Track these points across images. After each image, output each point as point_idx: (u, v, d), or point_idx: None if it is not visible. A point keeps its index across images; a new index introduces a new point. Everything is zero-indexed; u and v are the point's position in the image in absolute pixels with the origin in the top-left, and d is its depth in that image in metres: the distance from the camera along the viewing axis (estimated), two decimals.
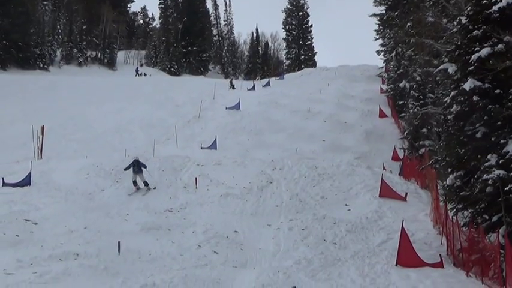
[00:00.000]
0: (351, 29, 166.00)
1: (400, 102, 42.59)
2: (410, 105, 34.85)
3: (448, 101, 14.61)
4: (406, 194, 21.29)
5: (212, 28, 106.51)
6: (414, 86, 35.18)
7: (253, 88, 56.56)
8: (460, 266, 13.72)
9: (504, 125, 13.11)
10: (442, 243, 15.70)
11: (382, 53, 59.27)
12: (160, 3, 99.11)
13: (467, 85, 13.45)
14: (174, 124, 38.79)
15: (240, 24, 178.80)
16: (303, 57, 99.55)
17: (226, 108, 44.27)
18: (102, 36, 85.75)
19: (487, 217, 13.35)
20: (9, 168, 24.09)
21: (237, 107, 44.03)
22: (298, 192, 21.85)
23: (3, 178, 21.64)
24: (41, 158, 27.76)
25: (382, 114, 43.56)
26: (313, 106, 44.27)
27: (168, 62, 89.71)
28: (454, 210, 14.40)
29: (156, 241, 16.11)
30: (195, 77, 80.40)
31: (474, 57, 13.47)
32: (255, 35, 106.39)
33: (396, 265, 13.74)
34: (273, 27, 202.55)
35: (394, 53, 47.54)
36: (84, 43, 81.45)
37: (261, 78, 76.47)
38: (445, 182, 15.24)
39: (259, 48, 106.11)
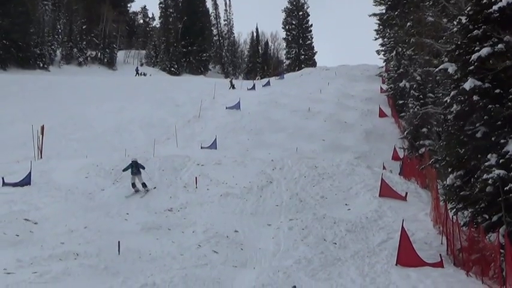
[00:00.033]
0: (351, 28, 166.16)
1: (400, 102, 42.62)
2: (410, 105, 34.87)
3: (448, 101, 14.61)
4: (406, 193, 21.29)
5: (212, 28, 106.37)
6: (414, 86, 35.21)
7: (253, 88, 56.58)
8: (460, 265, 13.72)
9: (504, 124, 13.12)
10: (442, 243, 15.71)
11: (382, 52, 59.35)
12: (160, 3, 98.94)
13: (467, 85, 13.45)
14: (174, 124, 38.82)
15: (240, 23, 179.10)
16: (303, 56, 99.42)
17: (226, 108, 44.30)
18: (102, 36, 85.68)
19: (487, 217, 13.35)
20: (9, 168, 24.08)
21: (237, 106, 44.05)
22: (298, 191, 21.85)
23: (3, 178, 21.63)
24: (41, 157, 27.76)
25: (382, 114, 43.59)
26: (313, 106, 44.29)
27: (168, 61, 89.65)
28: (454, 209, 14.41)
29: (156, 241, 16.12)
30: (195, 77, 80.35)
31: (474, 56, 13.47)
32: (255, 34, 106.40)
33: (396, 265, 13.74)
34: (273, 27, 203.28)
35: (394, 52, 47.58)
36: (84, 43, 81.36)
37: (261, 78, 76.43)
38: (445, 182, 15.26)
39: (259, 47, 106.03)
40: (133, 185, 21.46)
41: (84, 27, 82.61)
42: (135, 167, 21.65)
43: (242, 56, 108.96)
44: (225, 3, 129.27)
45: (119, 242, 14.74)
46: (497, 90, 13.32)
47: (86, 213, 18.68)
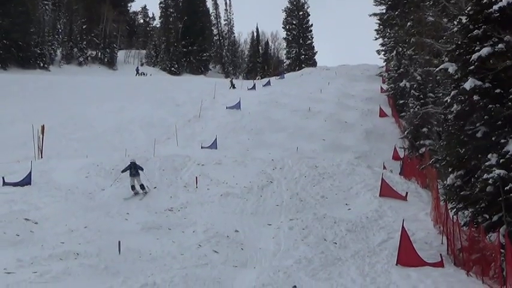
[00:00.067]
0: (351, 28, 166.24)
1: (401, 102, 42.63)
2: (410, 105, 34.87)
3: (449, 101, 14.61)
4: (407, 193, 21.30)
5: (212, 27, 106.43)
6: (414, 86, 35.20)
7: (254, 87, 56.59)
8: (461, 265, 13.71)
9: (504, 124, 13.11)
10: (442, 243, 15.71)
11: (383, 52, 59.38)
12: (160, 3, 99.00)
13: (468, 84, 13.44)
14: (175, 123, 38.81)
15: (240, 23, 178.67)
16: (303, 56, 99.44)
17: (227, 108, 44.30)
18: (103, 36, 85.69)
19: (488, 216, 13.34)
20: (9, 167, 24.08)
21: (238, 106, 44.05)
22: (298, 191, 21.85)
23: (3, 177, 21.63)
24: (41, 157, 27.77)
25: (382, 114, 43.59)
26: (313, 105, 44.29)
27: (168, 61, 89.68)
28: (455, 209, 14.40)
29: (157, 240, 16.12)
30: (195, 77, 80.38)
31: (474, 56, 13.47)
32: (255, 34, 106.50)
33: (396, 264, 13.74)
34: (273, 27, 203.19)
35: (395, 52, 47.59)
36: (85, 42, 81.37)
37: (261, 78, 76.49)
38: (445, 182, 15.25)
39: (260, 47, 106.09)
40: (133, 187, 21.28)
41: (84, 27, 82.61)
42: (134, 168, 21.45)
43: (242, 55, 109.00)
44: (225, 3, 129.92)
45: (119, 242, 14.74)
46: (498, 90, 13.31)
47: (86, 213, 18.68)
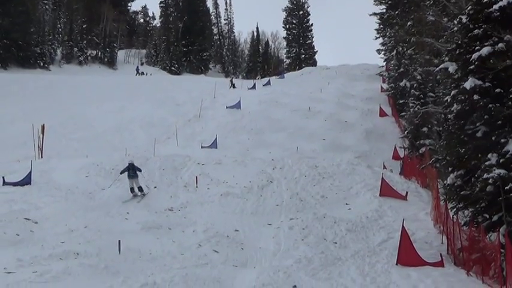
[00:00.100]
0: (352, 28, 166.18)
1: (401, 101, 42.59)
2: (410, 104, 34.84)
3: (449, 100, 14.60)
4: (407, 193, 21.29)
5: (212, 27, 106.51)
6: (415, 85, 35.17)
7: (254, 87, 56.56)
8: (461, 265, 13.71)
9: (504, 124, 13.11)
10: (442, 243, 15.70)
11: (383, 52, 59.36)
12: (160, 2, 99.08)
13: (468, 84, 13.44)
14: (175, 123, 38.80)
15: (240, 23, 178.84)
16: (303, 56, 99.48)
17: (227, 107, 44.28)
18: (103, 35, 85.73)
19: (488, 216, 13.34)
20: (9, 167, 24.09)
21: (238, 106, 44.03)
22: (298, 191, 21.85)
23: (3, 177, 21.64)
24: (42, 157, 27.76)
25: (382, 113, 43.56)
26: (313, 105, 44.27)
27: (168, 61, 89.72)
28: (455, 209, 14.40)
29: (157, 240, 16.12)
30: (195, 76, 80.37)
31: (475, 56, 13.46)
32: (255, 33, 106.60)
33: (397, 264, 13.74)
34: (273, 26, 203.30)
35: (395, 52, 47.57)
36: (85, 42, 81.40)
37: (262, 77, 76.44)
38: (445, 181, 15.24)
39: (260, 47, 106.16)
40: (132, 189, 21.02)
41: (84, 26, 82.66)
42: (132, 170, 21.16)
43: (242, 55, 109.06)
44: (226, 3, 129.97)
45: (119, 242, 14.74)
46: (498, 90, 13.31)
47: (86, 212, 18.68)
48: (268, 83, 60.46)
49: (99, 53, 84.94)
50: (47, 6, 78.19)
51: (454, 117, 14.34)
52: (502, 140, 12.99)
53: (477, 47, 13.55)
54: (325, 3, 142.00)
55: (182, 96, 49.20)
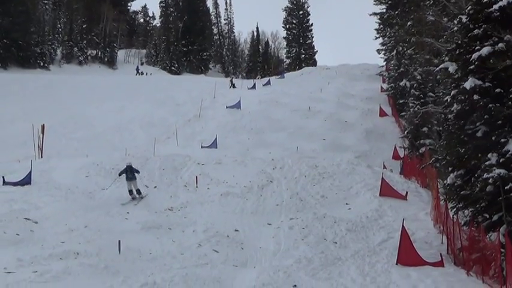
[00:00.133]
0: (352, 27, 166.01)
1: (401, 101, 42.62)
2: (410, 104, 34.85)
3: (449, 100, 14.60)
4: (407, 193, 21.29)
5: (213, 27, 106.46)
6: (415, 85, 35.18)
7: (254, 87, 56.59)
8: (461, 265, 13.71)
9: (504, 123, 13.10)
10: (442, 242, 15.70)
11: (383, 51, 59.39)
12: (160, 2, 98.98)
13: (468, 84, 13.43)
14: (175, 123, 38.84)
15: (240, 23, 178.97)
16: (303, 56, 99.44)
17: (227, 107, 44.29)
18: (103, 35, 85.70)
19: (488, 216, 13.33)
20: (9, 167, 24.07)
21: (238, 105, 44.05)
22: (298, 191, 21.85)
23: (3, 177, 21.62)
24: (42, 156, 27.76)
25: (382, 113, 43.58)
26: (313, 105, 44.28)
27: (168, 60, 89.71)
28: (455, 209, 14.39)
29: (157, 240, 16.12)
30: (195, 76, 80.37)
31: (475, 56, 13.45)
32: (255, 33, 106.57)
33: (397, 264, 13.73)
34: (273, 26, 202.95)
35: (395, 51, 47.59)
36: (85, 42, 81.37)
37: (262, 77, 76.45)
38: (445, 181, 15.23)
39: (260, 47, 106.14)
40: (131, 192, 20.83)
41: (84, 26, 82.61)
42: (130, 172, 20.96)
43: (242, 55, 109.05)
44: (226, 2, 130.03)
45: (119, 241, 14.74)
46: (498, 90, 13.30)
47: (86, 212, 18.68)
48: (268, 82, 60.48)
49: (99, 53, 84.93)
50: (47, 6, 78.15)
51: (454, 117, 14.33)
52: (502, 140, 12.99)
53: (477, 47, 13.54)
54: (325, 3, 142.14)
55: (182, 96, 49.21)
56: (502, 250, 11.87)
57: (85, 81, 56.73)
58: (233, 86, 56.73)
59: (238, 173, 24.00)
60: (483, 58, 13.25)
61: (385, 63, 60.24)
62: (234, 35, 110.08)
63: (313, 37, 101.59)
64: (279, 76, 71.29)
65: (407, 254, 13.76)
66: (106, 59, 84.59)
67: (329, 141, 36.29)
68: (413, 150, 31.63)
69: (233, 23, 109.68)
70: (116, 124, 39.99)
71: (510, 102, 13.07)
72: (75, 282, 12.53)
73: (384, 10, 58.20)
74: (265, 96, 48.40)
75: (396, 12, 52.27)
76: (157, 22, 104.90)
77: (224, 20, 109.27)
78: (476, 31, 13.79)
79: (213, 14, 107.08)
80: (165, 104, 45.91)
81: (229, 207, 19.99)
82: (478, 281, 12.42)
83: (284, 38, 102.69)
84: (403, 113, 39.24)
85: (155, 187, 22.17)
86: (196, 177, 22.74)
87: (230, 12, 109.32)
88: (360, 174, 23.70)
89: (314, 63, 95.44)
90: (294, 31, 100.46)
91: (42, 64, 71.22)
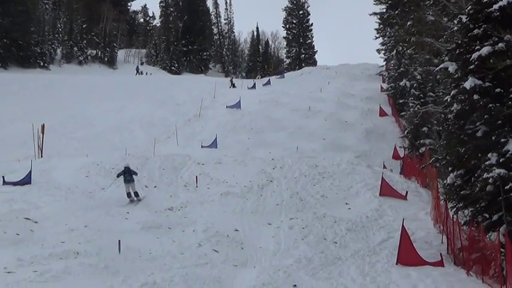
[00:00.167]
0: (352, 27, 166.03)
1: (401, 101, 42.63)
2: (410, 104, 34.87)
3: (449, 100, 14.59)
4: (407, 192, 21.29)
5: (213, 27, 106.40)
6: (414, 85, 35.20)
7: (254, 87, 56.60)
8: (461, 264, 13.70)
9: (504, 123, 13.10)
10: (442, 242, 15.70)
11: (383, 51, 59.41)
12: (160, 2, 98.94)
13: (468, 84, 13.43)
14: (175, 123, 38.85)
15: (240, 22, 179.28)
16: (303, 55, 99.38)
17: (227, 107, 44.31)
18: (103, 35, 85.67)
19: (488, 216, 13.33)
20: (9, 166, 24.08)
21: (238, 105, 44.06)
22: (298, 190, 21.86)
23: (3, 177, 21.64)
24: (42, 156, 27.77)
25: (382, 113, 43.59)
26: (313, 105, 44.29)
27: (168, 60, 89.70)
28: (455, 209, 14.39)
29: (157, 240, 16.12)
30: (195, 76, 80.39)
31: (474, 55, 13.45)
32: (255, 33, 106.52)
33: (396, 264, 13.72)
34: (273, 26, 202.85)
35: (395, 51, 47.60)
36: (85, 42, 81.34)
37: (262, 77, 76.47)
38: (445, 181, 15.23)
39: (260, 46, 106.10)
40: (129, 194, 20.67)
41: (84, 26, 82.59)
42: (128, 174, 20.81)
43: (242, 55, 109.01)
44: (226, 2, 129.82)
45: (119, 241, 14.74)
46: (498, 89, 13.29)
47: (86, 212, 18.68)
48: (268, 82, 60.49)
49: (99, 53, 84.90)
50: (47, 6, 78.12)
51: (454, 117, 14.33)
52: (502, 140, 12.98)
53: (477, 47, 13.53)
54: (325, 3, 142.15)
55: (182, 95, 49.22)
56: (502, 250, 11.86)
57: (85, 81, 56.73)
58: (233, 85, 56.75)
59: (238, 172, 24.00)
60: (483, 58, 13.24)
61: (385, 63, 60.29)
62: (234, 35, 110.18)
63: (313, 37, 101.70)
64: (279, 76, 71.30)
65: (407, 254, 13.75)
66: (106, 59, 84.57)
67: (329, 141, 36.31)
68: (413, 150, 31.64)
69: (233, 23, 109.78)
70: (115, 124, 40.00)
71: (510, 102, 13.06)
72: (75, 282, 12.52)
73: (384, 10, 58.22)
74: (265, 96, 48.41)
75: (396, 12, 52.27)
76: (157, 22, 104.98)
77: (224, 19, 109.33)
78: (476, 31, 13.78)
79: (213, 13, 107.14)
80: (165, 104, 45.92)
81: (229, 207, 19.99)
82: (478, 281, 12.42)
83: (284, 37, 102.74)
84: (403, 113, 39.25)
85: (155, 187, 22.17)
86: (196, 177, 22.74)
87: (230, 12, 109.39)
88: (360, 174, 23.70)
89: (314, 63, 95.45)
90: (294, 31, 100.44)
91: (42, 64, 71.23)
